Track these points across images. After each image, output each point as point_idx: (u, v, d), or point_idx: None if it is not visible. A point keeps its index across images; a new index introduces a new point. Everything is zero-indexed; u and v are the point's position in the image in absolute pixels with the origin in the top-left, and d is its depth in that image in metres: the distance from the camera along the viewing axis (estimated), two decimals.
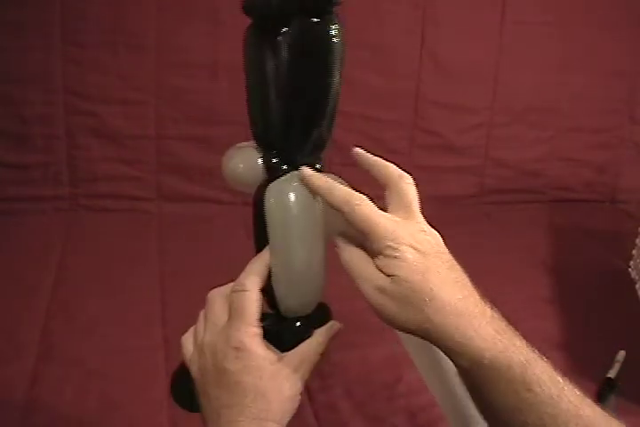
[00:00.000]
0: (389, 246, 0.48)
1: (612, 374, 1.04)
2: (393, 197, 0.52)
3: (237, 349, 0.52)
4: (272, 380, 0.52)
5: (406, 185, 0.52)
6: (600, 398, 0.99)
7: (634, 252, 1.39)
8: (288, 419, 0.53)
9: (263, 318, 0.54)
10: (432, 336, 0.48)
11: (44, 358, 1.02)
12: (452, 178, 1.76)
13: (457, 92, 1.72)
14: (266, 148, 0.57)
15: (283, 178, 0.55)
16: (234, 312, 0.53)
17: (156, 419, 0.91)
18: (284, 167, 0.56)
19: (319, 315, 0.57)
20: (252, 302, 0.53)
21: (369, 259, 0.50)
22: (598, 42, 1.74)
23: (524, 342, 0.50)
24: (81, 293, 1.21)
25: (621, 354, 1.08)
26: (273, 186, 0.54)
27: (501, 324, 0.50)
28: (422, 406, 0.95)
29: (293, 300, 0.55)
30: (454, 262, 0.52)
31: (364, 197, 0.51)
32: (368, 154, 0.56)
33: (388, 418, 0.94)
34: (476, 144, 1.76)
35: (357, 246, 0.51)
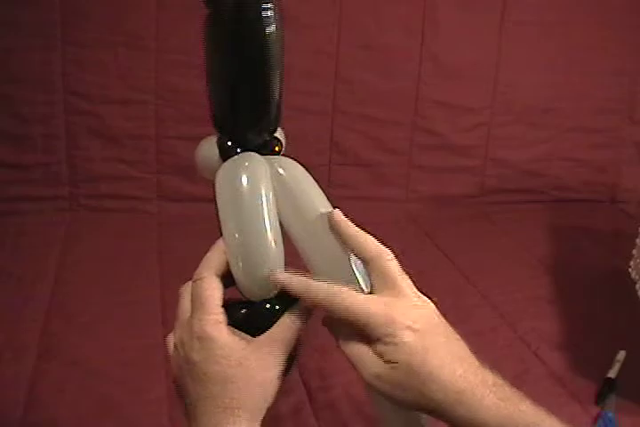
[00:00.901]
0: (387, 334, 0.48)
1: (612, 374, 1.04)
2: (376, 276, 0.51)
3: (200, 338, 0.51)
4: (240, 366, 0.50)
5: (387, 263, 0.51)
6: (600, 398, 0.99)
7: (634, 252, 1.39)
8: (265, 404, 0.51)
9: (235, 305, 0.54)
10: (434, 413, 0.48)
11: (44, 358, 1.02)
12: (452, 178, 1.76)
13: (457, 92, 1.72)
14: (220, 131, 0.59)
15: (233, 158, 0.56)
16: (195, 302, 0.53)
17: (155, 419, 0.91)
18: (238, 150, 0.57)
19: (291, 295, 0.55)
20: (211, 289, 0.52)
21: (366, 346, 0.50)
22: (598, 42, 1.74)
23: (531, 404, 0.49)
24: (81, 293, 1.21)
25: (621, 354, 1.08)
26: (223, 166, 0.56)
27: (505, 390, 0.49)
28: None
29: (249, 281, 0.54)
30: (450, 330, 0.51)
31: (346, 288, 0.50)
32: (348, 223, 0.53)
33: None
34: (476, 144, 1.76)
35: (354, 331, 0.50)
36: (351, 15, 1.63)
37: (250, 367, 0.51)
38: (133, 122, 1.56)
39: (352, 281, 0.53)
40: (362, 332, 0.49)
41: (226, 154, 0.57)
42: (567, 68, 1.75)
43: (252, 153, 0.57)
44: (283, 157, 0.58)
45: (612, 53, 1.76)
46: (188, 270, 0.56)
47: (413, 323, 0.49)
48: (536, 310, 1.24)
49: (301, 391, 0.98)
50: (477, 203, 1.76)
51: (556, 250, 1.51)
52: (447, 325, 0.51)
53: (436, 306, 0.52)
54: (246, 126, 0.57)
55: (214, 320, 0.51)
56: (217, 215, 0.56)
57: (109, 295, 1.20)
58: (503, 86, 1.73)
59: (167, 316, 1.14)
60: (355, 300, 0.49)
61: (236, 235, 0.54)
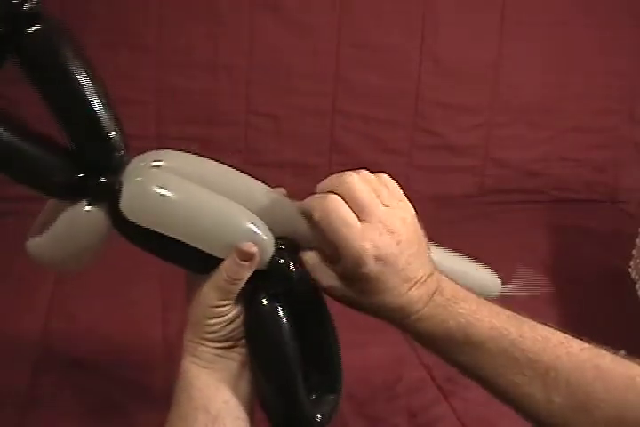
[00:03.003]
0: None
1: None
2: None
3: None
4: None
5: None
6: None
7: (634, 252, 1.39)
8: (197, 326, 0.54)
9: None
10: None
11: (44, 357, 1.02)
12: (451, 178, 1.76)
13: (457, 92, 1.72)
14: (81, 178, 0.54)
15: (116, 189, 0.52)
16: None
17: (156, 419, 0.91)
18: (102, 179, 0.53)
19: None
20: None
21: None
22: (598, 42, 1.74)
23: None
24: (81, 293, 1.21)
25: (621, 354, 1.08)
26: (126, 199, 0.51)
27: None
28: (422, 407, 0.95)
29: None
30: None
31: None
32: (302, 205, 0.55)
33: (388, 418, 0.94)
34: (476, 144, 1.76)
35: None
36: (351, 15, 1.63)
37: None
38: (133, 122, 1.56)
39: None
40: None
41: (108, 189, 0.52)
42: (567, 68, 1.75)
43: (129, 169, 0.54)
44: (151, 154, 0.57)
45: (612, 53, 1.76)
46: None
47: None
48: (536, 310, 1.24)
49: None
50: (477, 203, 1.76)
51: (555, 250, 1.51)
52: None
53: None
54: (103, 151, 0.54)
55: None
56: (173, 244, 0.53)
57: (109, 295, 1.20)
58: (503, 86, 1.73)
59: (167, 316, 1.14)
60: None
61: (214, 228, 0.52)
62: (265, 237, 0.52)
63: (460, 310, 0.53)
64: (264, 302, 0.53)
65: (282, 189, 0.59)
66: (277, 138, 1.64)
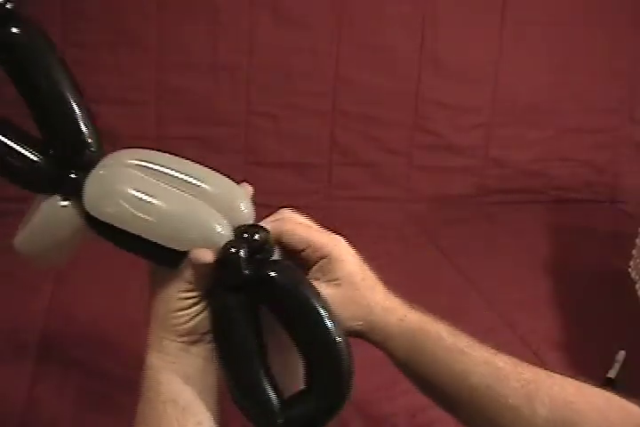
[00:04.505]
0: (330, 251, 0.54)
1: (612, 374, 1.04)
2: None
3: None
4: None
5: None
6: None
7: (634, 252, 1.39)
8: (161, 319, 0.54)
9: None
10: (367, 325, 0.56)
11: (44, 358, 1.02)
12: (452, 178, 1.76)
13: (457, 92, 1.72)
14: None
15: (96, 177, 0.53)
16: None
17: None
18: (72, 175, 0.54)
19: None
20: None
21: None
22: (598, 42, 1.74)
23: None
24: (81, 293, 1.21)
25: (621, 354, 1.08)
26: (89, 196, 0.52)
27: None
28: (422, 406, 0.94)
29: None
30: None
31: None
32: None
33: (388, 418, 0.94)
34: (476, 144, 1.76)
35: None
36: (351, 15, 1.63)
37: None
38: (133, 122, 1.56)
39: None
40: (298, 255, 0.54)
41: (77, 184, 0.53)
42: (567, 68, 1.75)
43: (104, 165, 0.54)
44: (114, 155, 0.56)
45: (611, 53, 1.76)
46: None
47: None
48: (536, 310, 1.24)
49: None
50: (477, 203, 1.76)
51: (555, 250, 1.51)
52: None
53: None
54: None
55: None
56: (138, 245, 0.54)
57: (109, 295, 1.20)
58: (503, 86, 1.73)
59: None
60: (297, 226, 0.54)
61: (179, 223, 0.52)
62: (220, 230, 0.51)
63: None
64: (219, 293, 0.52)
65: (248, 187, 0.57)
66: (277, 138, 1.64)
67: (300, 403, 0.51)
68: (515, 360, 0.54)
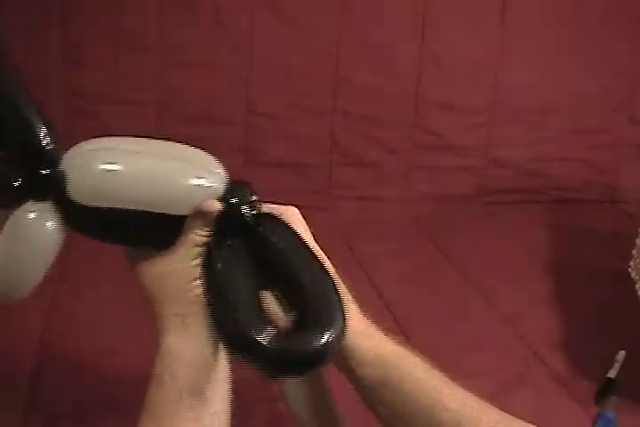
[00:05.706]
0: None
1: (612, 374, 1.04)
2: None
3: None
4: None
5: None
6: (600, 398, 0.99)
7: (634, 252, 1.39)
8: (179, 297, 0.56)
9: None
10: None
11: (44, 358, 1.02)
12: (452, 178, 1.76)
13: (457, 92, 1.72)
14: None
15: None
16: None
17: None
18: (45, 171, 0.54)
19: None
20: None
21: None
22: (598, 42, 1.74)
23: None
24: (81, 293, 1.21)
25: (621, 354, 1.08)
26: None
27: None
28: None
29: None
30: None
31: None
32: None
33: None
34: (476, 144, 1.76)
35: None
36: (351, 15, 1.63)
37: None
38: (133, 122, 1.56)
39: None
40: None
41: (52, 179, 0.54)
42: (567, 68, 1.75)
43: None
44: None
45: (611, 53, 1.76)
46: None
47: None
48: (536, 310, 1.24)
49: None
50: (477, 203, 1.76)
51: (555, 250, 1.51)
52: None
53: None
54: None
55: None
56: None
57: (109, 295, 1.20)
58: (503, 86, 1.73)
59: None
60: None
61: None
62: (214, 185, 0.56)
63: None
64: (219, 243, 0.55)
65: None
66: (277, 138, 1.64)
67: (296, 333, 0.51)
68: (486, 404, 0.54)
